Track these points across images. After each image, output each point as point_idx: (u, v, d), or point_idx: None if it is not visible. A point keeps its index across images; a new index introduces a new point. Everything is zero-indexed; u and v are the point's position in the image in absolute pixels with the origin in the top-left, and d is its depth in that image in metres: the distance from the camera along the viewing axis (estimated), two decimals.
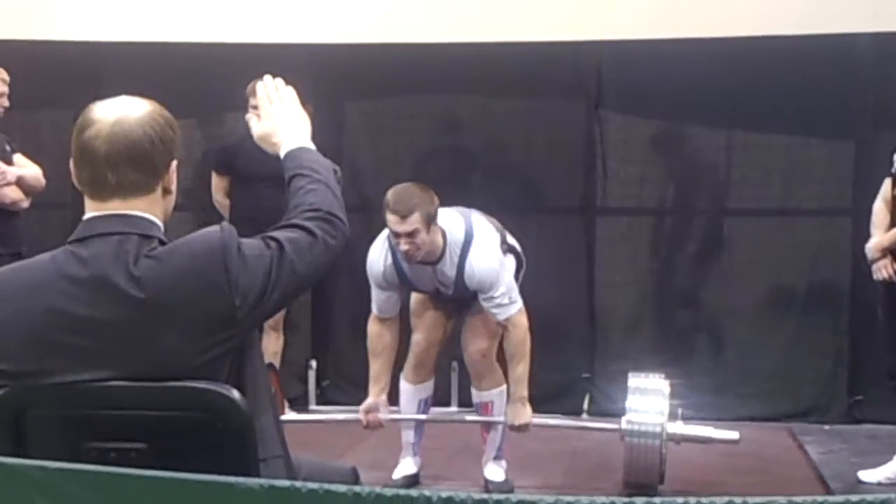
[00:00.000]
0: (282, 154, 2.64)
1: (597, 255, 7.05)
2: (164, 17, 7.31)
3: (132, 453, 2.19)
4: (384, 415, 5.07)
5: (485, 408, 5.17)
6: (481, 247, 4.89)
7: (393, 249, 4.90)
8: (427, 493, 1.71)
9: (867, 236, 5.35)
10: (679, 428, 4.99)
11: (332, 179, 2.56)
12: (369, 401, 5.06)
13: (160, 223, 2.35)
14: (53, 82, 7.05)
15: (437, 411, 5.92)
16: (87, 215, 2.34)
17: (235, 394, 2.25)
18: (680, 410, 5.05)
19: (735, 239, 6.99)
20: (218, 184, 6.77)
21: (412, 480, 5.16)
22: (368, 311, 6.73)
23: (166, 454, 2.14)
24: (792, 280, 6.94)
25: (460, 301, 5.08)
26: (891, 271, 5.16)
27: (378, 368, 5.07)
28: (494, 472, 5.18)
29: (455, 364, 6.70)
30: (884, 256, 5.20)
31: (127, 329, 2.23)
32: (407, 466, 5.19)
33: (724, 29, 6.81)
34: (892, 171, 5.27)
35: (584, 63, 7.07)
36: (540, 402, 6.82)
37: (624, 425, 4.96)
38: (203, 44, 7.11)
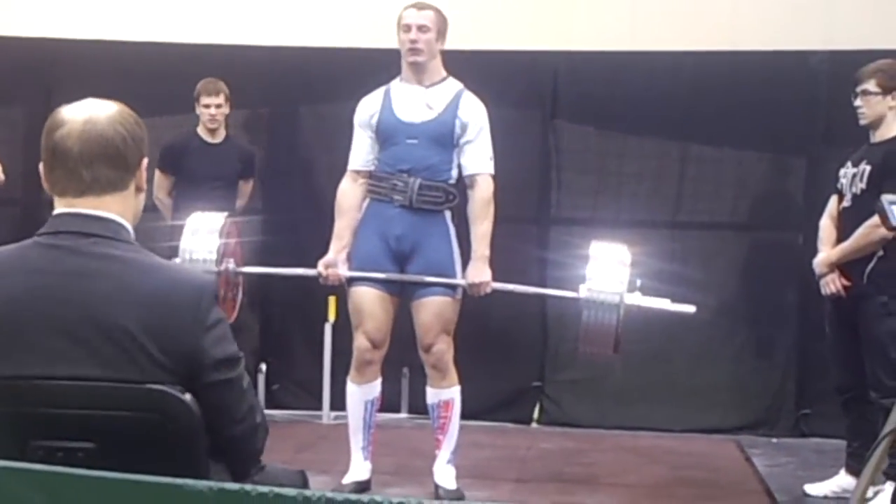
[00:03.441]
0: None
1: (549, 265, 7.06)
2: (117, 15, 7.25)
3: (79, 453, 2.16)
4: (343, 271, 5.08)
5: (445, 406, 5.12)
6: (476, 98, 5.16)
7: (388, 91, 5.15)
8: (378, 498, 1.70)
9: (816, 252, 5.40)
10: (637, 299, 4.93)
11: None
12: (329, 256, 5.09)
13: (130, 227, 2.35)
14: (2, 78, 6.96)
15: (386, 417, 5.91)
16: (58, 211, 2.33)
17: (187, 396, 2.23)
18: (639, 281, 4.98)
19: (686, 252, 7.03)
20: (161, 182, 6.70)
21: (363, 486, 5.13)
22: (320, 315, 6.77)
23: (114, 454, 2.12)
24: (742, 294, 6.99)
25: (423, 159, 5.04)
26: (838, 286, 5.21)
27: (341, 226, 5.13)
28: (446, 477, 5.15)
29: (406, 370, 6.69)
30: (831, 272, 5.24)
31: (86, 327, 2.21)
32: (357, 472, 5.15)
33: (679, 43, 6.87)
34: (838, 186, 5.33)
35: (540, 73, 7.09)
36: (489, 410, 6.88)
37: (583, 293, 4.90)
38: (157, 43, 7.07)
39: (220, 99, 6.70)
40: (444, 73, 5.16)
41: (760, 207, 7.01)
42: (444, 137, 5.05)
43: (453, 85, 5.15)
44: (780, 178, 7.00)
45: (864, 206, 5.08)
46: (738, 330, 6.99)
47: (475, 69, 6.97)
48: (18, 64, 7.00)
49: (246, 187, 6.90)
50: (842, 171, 5.31)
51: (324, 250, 5.16)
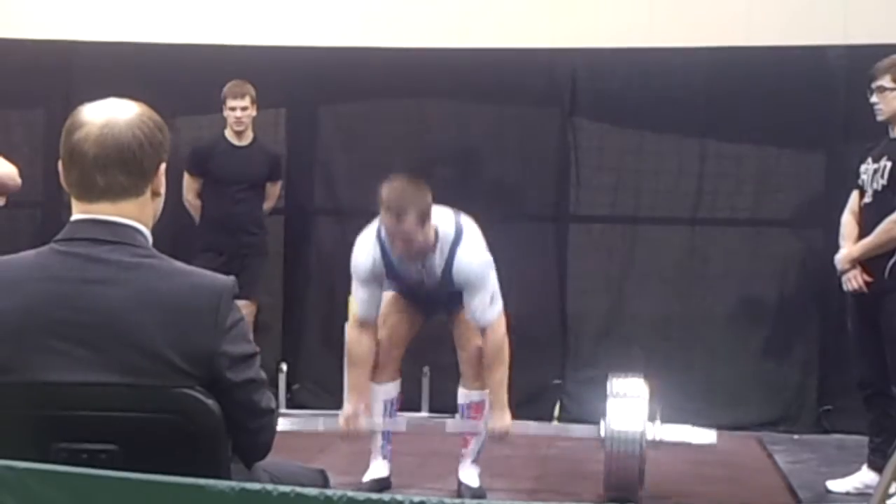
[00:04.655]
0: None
1: (569, 263, 7.06)
2: (136, 17, 7.28)
3: (103, 454, 2.17)
4: (364, 423, 5.00)
5: (476, 407, 5.13)
6: (470, 244, 4.88)
7: (382, 243, 4.86)
8: (399, 497, 1.71)
9: (837, 247, 5.38)
10: (658, 432, 4.96)
11: None
12: (349, 410, 4.98)
13: (147, 232, 2.33)
14: (23, 81, 7.00)
15: (408, 416, 5.91)
16: (75, 217, 2.32)
17: (207, 397, 2.23)
18: (658, 411, 5.01)
19: (707, 248, 7.02)
20: (190, 184, 6.75)
21: (383, 484, 5.14)
22: (340, 315, 6.76)
23: (137, 456, 2.13)
24: (763, 290, 6.97)
25: (437, 298, 5.02)
26: (860, 282, 5.19)
27: (357, 378, 5.01)
28: (470, 475, 5.17)
29: (426, 370, 6.70)
30: (853, 267, 5.22)
31: (106, 334, 2.21)
32: (377, 470, 5.17)
33: (698, 39, 6.86)
34: (859, 182, 5.30)
35: (558, 70, 7.09)
36: (510, 408, 6.87)
37: (604, 432, 4.92)
38: (176, 45, 7.09)
39: (246, 101, 6.70)
40: (431, 239, 4.83)
41: (780, 203, 6.99)
42: (452, 289, 4.93)
43: (444, 243, 4.87)
44: (799, 174, 6.98)
45: (885, 201, 5.07)
46: (759, 326, 6.97)
47: (494, 67, 7.01)
48: (38, 66, 7.02)
49: (273, 189, 6.90)
50: (862, 167, 5.28)
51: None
